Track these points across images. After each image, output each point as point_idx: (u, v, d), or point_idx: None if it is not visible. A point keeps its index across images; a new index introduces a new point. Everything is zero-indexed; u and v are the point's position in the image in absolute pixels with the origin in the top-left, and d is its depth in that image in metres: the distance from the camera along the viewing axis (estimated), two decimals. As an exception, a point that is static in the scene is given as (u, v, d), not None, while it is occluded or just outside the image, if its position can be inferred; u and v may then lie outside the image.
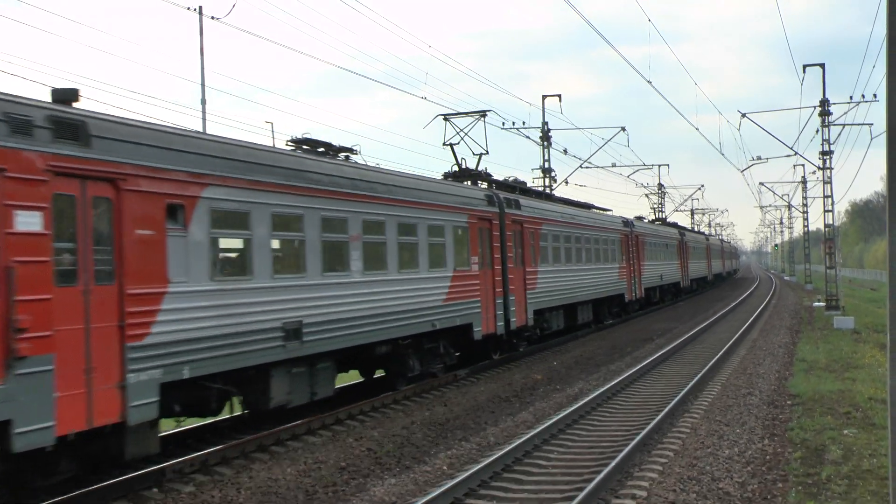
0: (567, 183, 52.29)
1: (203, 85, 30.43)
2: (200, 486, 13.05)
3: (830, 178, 48.34)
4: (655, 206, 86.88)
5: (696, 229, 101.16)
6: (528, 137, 49.61)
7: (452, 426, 17.33)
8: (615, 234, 40.03)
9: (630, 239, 42.86)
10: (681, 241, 61.85)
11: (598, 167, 57.74)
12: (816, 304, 53.43)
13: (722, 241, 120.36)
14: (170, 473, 13.37)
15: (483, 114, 29.81)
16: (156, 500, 12.37)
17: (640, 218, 55.65)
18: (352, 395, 20.35)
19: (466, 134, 29.70)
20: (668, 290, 57.57)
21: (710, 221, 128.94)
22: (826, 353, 28.16)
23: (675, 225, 73.17)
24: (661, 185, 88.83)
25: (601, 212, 43.54)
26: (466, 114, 29.97)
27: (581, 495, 10.97)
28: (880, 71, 51.66)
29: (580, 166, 53.05)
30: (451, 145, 29.37)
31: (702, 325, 38.00)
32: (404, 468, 13.92)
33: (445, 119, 29.96)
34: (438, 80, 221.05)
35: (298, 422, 16.94)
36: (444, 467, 13.82)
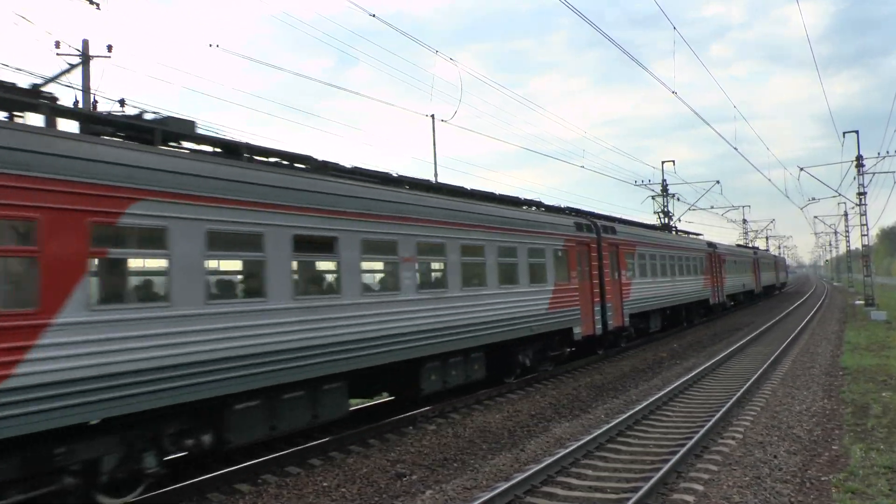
0: (680, 220, 50.09)
1: (435, 163, 32.00)
2: (439, 425, 13.32)
3: (865, 211, 45.33)
4: (740, 235, 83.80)
5: (767, 250, 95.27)
6: (651, 190, 48.04)
7: (607, 388, 17.05)
8: (701, 253, 36.69)
9: (713, 257, 40.23)
10: (755, 259, 58.06)
11: (700, 209, 55.80)
12: (857, 302, 49.65)
13: (785, 259, 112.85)
14: (419, 418, 13.76)
15: None
16: (411, 434, 12.67)
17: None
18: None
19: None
20: (747, 295, 54.11)
21: (779, 245, 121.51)
22: (866, 337, 26.11)
23: (751, 247, 69.17)
24: (744, 221, 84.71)
25: (691, 236, 41.05)
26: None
27: (697, 436, 10.66)
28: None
29: (689, 209, 51.15)
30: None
31: (775, 320, 35.71)
32: (575, 416, 13.81)
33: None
34: (591, 154, 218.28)
35: (503, 384, 16.90)
36: (602, 415, 13.65)
